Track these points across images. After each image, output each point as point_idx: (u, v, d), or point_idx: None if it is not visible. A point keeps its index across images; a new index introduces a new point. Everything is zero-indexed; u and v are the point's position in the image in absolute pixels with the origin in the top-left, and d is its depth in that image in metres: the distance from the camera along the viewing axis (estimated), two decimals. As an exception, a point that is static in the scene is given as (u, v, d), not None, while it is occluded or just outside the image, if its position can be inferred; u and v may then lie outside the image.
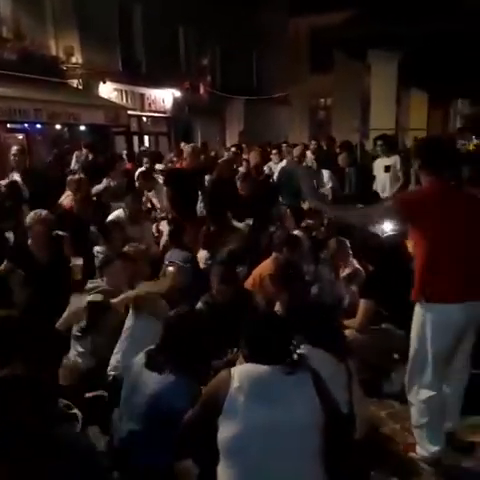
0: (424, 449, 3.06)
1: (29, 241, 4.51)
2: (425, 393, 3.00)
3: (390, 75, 10.08)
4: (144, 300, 3.37)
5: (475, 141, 12.67)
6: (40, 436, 1.71)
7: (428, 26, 8.55)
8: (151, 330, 3.03)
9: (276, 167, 8.71)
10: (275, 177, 8.25)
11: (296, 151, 8.38)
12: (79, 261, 4.57)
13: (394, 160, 7.23)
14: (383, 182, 7.20)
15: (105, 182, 6.89)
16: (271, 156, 9.46)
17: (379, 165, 7.37)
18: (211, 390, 2.19)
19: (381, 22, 8.89)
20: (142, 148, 13.05)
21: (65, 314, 3.53)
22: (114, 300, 3.52)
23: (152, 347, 2.69)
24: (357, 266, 4.61)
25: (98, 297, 3.62)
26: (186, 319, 2.71)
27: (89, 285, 3.90)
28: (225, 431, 2.07)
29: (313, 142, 9.83)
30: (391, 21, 8.74)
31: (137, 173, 7.57)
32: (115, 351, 3.46)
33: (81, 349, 3.68)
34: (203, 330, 2.68)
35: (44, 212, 4.60)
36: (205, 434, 2.11)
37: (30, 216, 4.59)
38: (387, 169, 7.13)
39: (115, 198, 6.36)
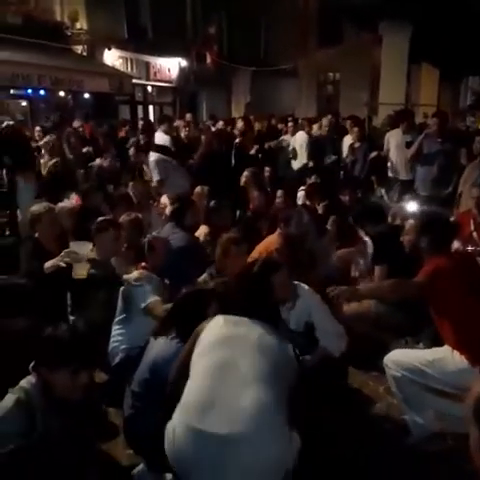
0: None
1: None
2: None
3: (401, 49, 9.88)
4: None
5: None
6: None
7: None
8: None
9: (293, 139, 8.55)
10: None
11: (325, 121, 8.16)
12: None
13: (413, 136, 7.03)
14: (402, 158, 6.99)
15: (98, 162, 6.71)
16: (286, 129, 9.27)
17: (397, 139, 7.11)
18: (195, 331, 2.29)
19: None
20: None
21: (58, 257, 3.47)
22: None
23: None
24: (364, 238, 4.61)
25: (84, 267, 3.50)
26: (197, 296, 2.77)
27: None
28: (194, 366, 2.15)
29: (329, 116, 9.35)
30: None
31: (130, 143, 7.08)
32: (118, 329, 3.45)
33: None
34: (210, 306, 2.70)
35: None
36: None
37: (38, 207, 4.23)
38: (408, 145, 6.84)
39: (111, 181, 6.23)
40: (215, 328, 2.23)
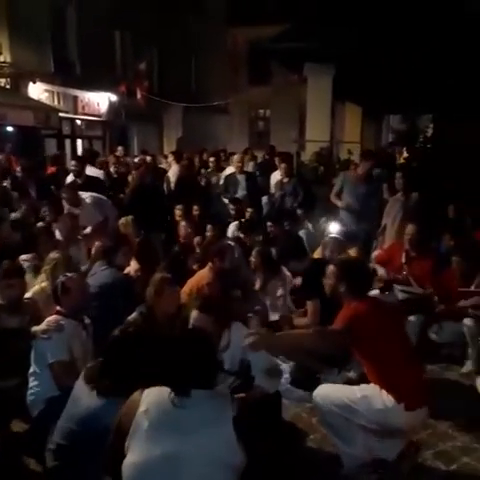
0: None
1: None
2: None
3: (325, 88, 10.28)
4: None
5: (405, 154, 13.23)
6: None
7: (361, 42, 8.79)
8: None
9: (222, 175, 8.53)
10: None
11: (237, 157, 8.16)
12: None
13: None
14: None
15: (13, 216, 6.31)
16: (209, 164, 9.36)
17: None
18: (122, 412, 2.07)
19: (316, 36, 9.04)
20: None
21: None
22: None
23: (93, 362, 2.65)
24: (286, 272, 4.67)
25: None
26: (129, 342, 2.56)
27: None
28: (128, 458, 1.93)
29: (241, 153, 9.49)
30: (325, 35, 8.91)
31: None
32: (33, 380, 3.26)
33: None
34: (143, 353, 2.53)
35: None
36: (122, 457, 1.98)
37: None
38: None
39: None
40: (143, 440, 1.93)
